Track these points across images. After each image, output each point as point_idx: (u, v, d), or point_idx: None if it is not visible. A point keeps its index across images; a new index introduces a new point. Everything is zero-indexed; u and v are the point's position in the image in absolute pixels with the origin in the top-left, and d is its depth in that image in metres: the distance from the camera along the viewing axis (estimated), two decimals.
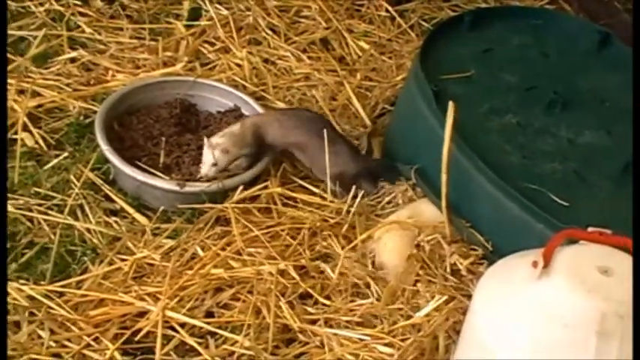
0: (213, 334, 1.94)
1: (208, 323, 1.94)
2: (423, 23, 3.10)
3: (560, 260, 1.58)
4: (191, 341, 1.90)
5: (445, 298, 1.99)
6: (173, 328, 1.92)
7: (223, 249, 2.11)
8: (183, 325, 1.93)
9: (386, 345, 1.93)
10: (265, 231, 2.18)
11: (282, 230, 2.19)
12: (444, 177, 2.12)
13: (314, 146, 2.29)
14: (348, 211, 2.23)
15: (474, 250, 2.13)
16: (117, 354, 1.85)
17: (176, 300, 1.96)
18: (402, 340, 1.93)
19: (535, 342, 1.52)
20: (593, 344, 1.48)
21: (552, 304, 1.53)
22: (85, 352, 1.86)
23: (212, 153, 2.22)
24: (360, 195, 2.26)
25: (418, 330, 1.95)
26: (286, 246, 2.15)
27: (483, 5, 3.20)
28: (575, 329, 1.49)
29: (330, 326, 1.97)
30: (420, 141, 2.30)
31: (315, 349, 1.94)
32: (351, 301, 2.04)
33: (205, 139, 2.26)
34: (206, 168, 2.24)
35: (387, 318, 1.99)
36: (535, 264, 1.57)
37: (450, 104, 2.11)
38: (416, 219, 2.17)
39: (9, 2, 2.81)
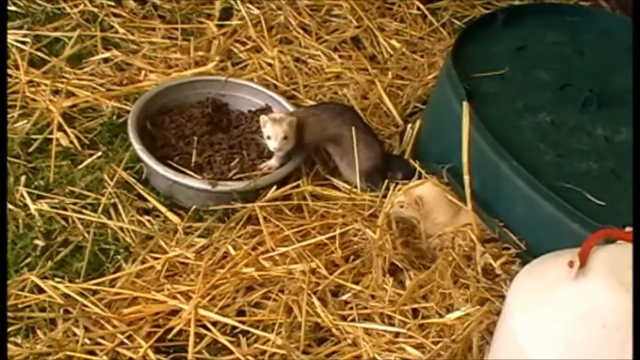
0: (245, 332, 1.94)
1: (241, 322, 1.95)
2: (455, 21, 3.08)
3: (597, 260, 1.55)
4: (223, 340, 1.90)
5: (478, 307, 1.97)
6: (205, 327, 1.93)
7: (255, 248, 2.12)
8: (215, 323, 1.94)
9: (416, 346, 1.92)
10: (296, 230, 2.17)
11: (313, 229, 2.18)
12: (466, 178, 2.11)
13: (349, 137, 2.28)
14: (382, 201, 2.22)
15: (507, 249, 2.11)
16: (150, 352, 1.86)
17: (208, 299, 1.97)
18: (434, 344, 1.91)
19: (572, 342, 1.49)
20: (632, 345, 1.45)
21: (590, 304, 1.50)
22: (119, 349, 1.87)
23: (281, 126, 2.21)
24: (392, 187, 2.25)
25: (451, 334, 1.93)
26: (317, 245, 2.14)
27: (517, 2, 3.16)
28: (615, 330, 1.46)
29: (364, 319, 1.97)
30: (452, 139, 2.27)
31: (347, 348, 1.93)
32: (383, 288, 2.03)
33: (263, 116, 2.26)
34: (278, 142, 2.22)
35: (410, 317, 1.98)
36: (571, 264, 1.55)
37: (465, 104, 2.10)
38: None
39: (45, 4, 2.85)
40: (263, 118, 2.27)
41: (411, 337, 1.94)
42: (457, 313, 1.96)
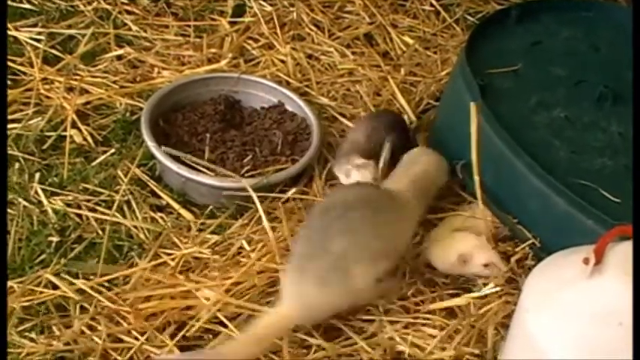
0: None
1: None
2: (469, 17, 3.06)
3: (612, 257, 1.55)
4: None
5: (498, 289, 1.97)
6: (222, 323, 1.93)
7: (267, 245, 2.11)
8: (231, 319, 1.93)
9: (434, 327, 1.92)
10: None
11: None
12: (476, 179, 2.10)
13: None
14: None
15: (520, 246, 2.10)
16: (175, 349, 1.85)
17: (224, 295, 1.96)
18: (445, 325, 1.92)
19: (587, 340, 1.49)
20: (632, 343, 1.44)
21: (606, 302, 1.50)
22: (138, 345, 1.87)
23: (368, 171, 2.18)
24: None
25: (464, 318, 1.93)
26: None
27: None
28: (630, 327, 1.45)
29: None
30: (465, 136, 2.26)
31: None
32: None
33: (347, 166, 2.21)
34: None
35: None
36: (586, 261, 1.54)
37: (472, 105, 2.09)
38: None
39: (59, 2, 2.86)
40: (347, 168, 2.20)
41: (428, 319, 1.94)
42: (475, 294, 1.96)
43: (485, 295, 1.97)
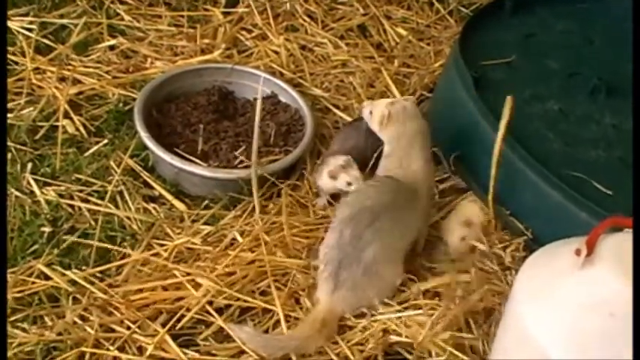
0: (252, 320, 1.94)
1: (247, 310, 1.94)
2: (462, 9, 3.05)
3: (604, 248, 1.55)
4: (231, 327, 1.90)
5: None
6: (212, 314, 1.93)
7: (259, 238, 2.11)
8: (222, 310, 1.93)
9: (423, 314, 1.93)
10: (301, 221, 2.17)
11: (321, 223, 2.18)
12: (493, 171, 2.08)
13: None
14: None
15: (514, 238, 2.10)
16: (167, 338, 1.85)
17: (215, 286, 1.96)
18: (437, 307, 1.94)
19: (579, 330, 1.49)
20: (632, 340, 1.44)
21: (597, 292, 1.50)
22: (130, 336, 1.86)
23: (354, 169, 2.17)
24: None
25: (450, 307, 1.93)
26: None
27: None
28: (622, 318, 1.46)
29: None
30: (459, 128, 2.27)
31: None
32: None
33: (331, 170, 2.17)
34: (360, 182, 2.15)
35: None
36: (578, 252, 1.54)
37: (508, 98, 2.05)
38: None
39: None
40: (333, 170, 2.16)
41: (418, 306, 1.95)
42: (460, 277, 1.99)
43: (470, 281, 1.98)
